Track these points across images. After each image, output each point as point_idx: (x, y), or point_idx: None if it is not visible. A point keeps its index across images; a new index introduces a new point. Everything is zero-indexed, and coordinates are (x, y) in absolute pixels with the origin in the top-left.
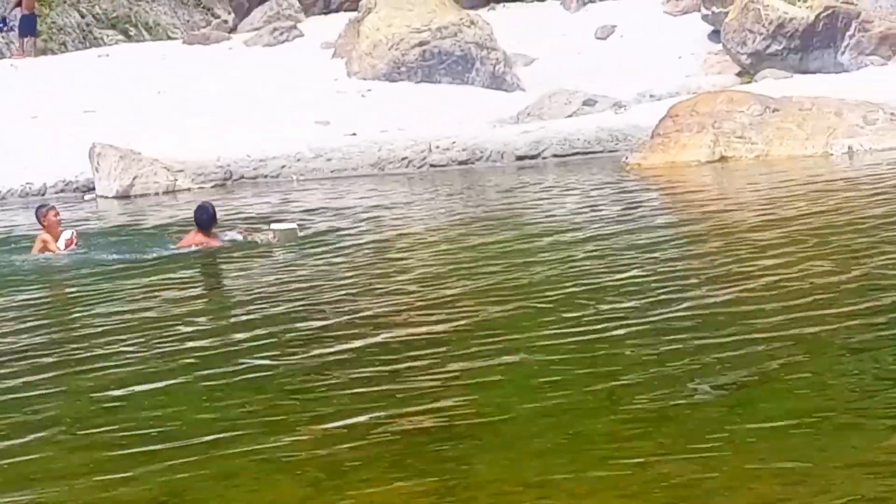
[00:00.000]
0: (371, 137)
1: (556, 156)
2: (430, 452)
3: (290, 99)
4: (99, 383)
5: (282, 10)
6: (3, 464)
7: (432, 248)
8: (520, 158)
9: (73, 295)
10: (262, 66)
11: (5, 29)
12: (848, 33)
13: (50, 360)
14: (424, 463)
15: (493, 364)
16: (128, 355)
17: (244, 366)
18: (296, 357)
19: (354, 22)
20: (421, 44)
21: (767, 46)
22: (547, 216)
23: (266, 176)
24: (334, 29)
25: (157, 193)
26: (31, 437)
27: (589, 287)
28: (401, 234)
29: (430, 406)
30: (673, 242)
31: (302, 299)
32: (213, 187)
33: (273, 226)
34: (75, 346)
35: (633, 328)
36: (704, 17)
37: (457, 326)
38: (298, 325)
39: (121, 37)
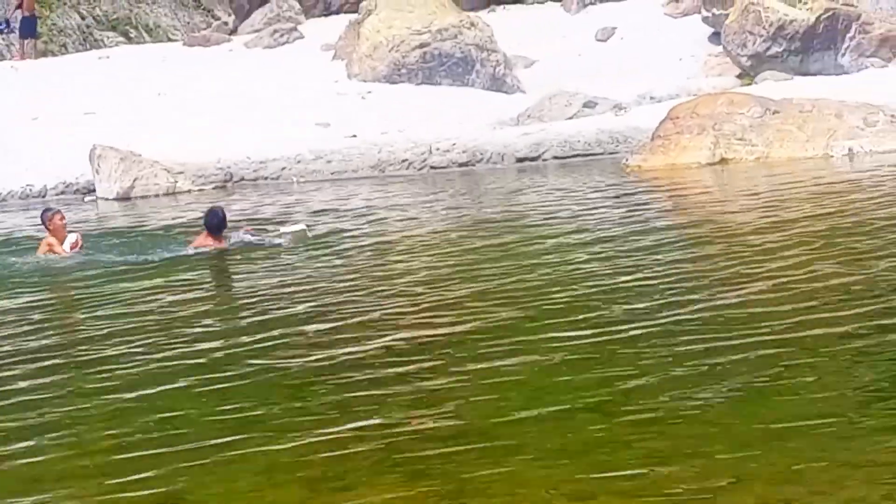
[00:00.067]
0: (371, 139)
1: (556, 158)
2: (433, 455)
3: (291, 101)
4: (104, 385)
5: (282, 12)
6: (9, 466)
7: (436, 250)
8: (520, 160)
9: (78, 297)
10: (262, 67)
11: (6, 31)
12: (848, 35)
13: (56, 361)
14: (427, 465)
15: (497, 367)
16: (133, 357)
17: (249, 368)
18: (300, 360)
19: (355, 24)
20: (421, 46)
21: (768, 48)
22: (549, 218)
23: (266, 178)
24: (334, 31)
25: (157, 195)
26: (37, 438)
27: (593, 290)
28: (405, 237)
29: (434, 409)
30: (676, 245)
31: (308, 302)
32: (213, 189)
33: (283, 229)
34: (82, 347)
35: (638, 331)
36: (705, 19)
37: (461, 330)
38: (304, 327)
39: (121, 39)
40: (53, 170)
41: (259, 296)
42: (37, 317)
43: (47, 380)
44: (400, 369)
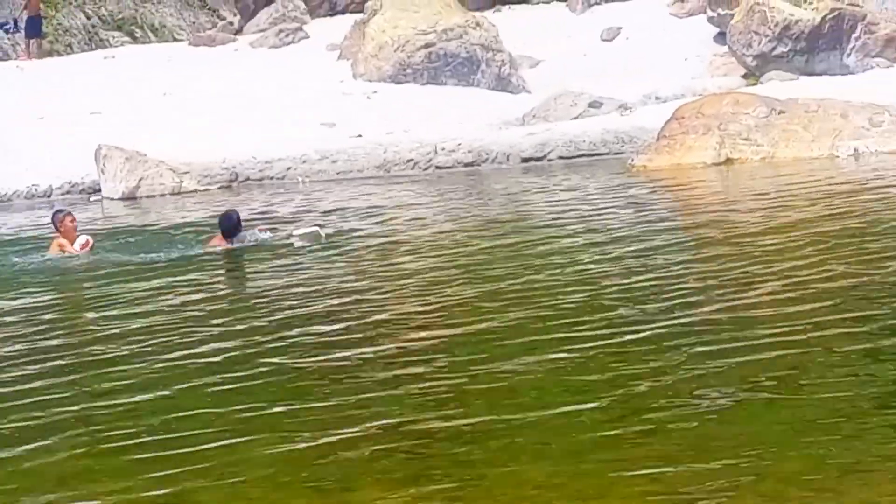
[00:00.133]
0: (376, 139)
1: (561, 158)
2: (438, 456)
3: (296, 101)
4: (112, 386)
5: (287, 12)
6: (16, 466)
7: (443, 250)
8: (525, 160)
9: (88, 296)
10: (267, 67)
11: (13, 31)
12: (854, 35)
13: (65, 361)
14: (433, 467)
15: (506, 368)
16: (142, 358)
17: (256, 369)
18: (308, 361)
19: (360, 24)
20: (426, 45)
21: (773, 48)
22: (557, 219)
23: (272, 177)
24: (340, 31)
25: (162, 195)
26: (44, 439)
27: (603, 291)
28: (413, 237)
29: (441, 410)
30: (685, 246)
31: (316, 302)
32: (218, 189)
33: (295, 232)
34: (91, 347)
35: (648, 333)
36: (710, 19)
37: (469, 331)
38: (312, 328)
39: (126, 38)
40: (59, 170)
41: (268, 296)
42: (46, 316)
43: (56, 380)
44: (408, 370)
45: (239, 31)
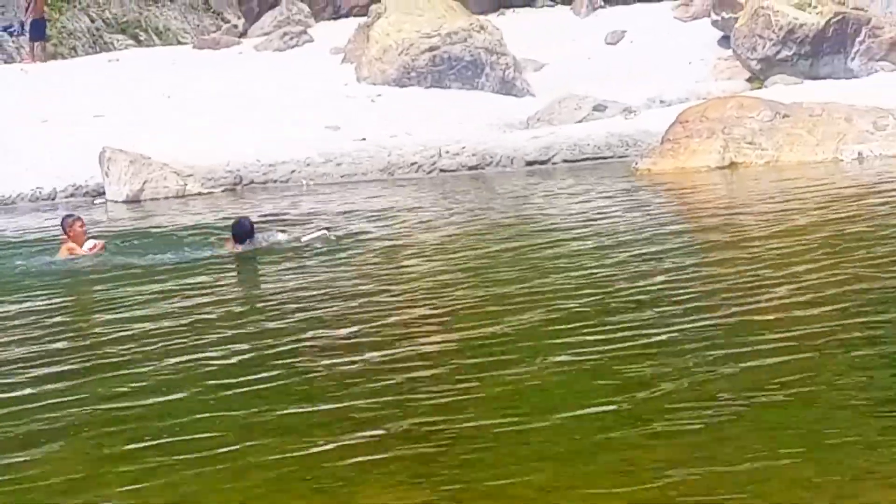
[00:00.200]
0: (380, 142)
1: (565, 161)
2: (443, 459)
3: (300, 103)
4: (120, 390)
5: (292, 15)
6: (21, 472)
7: (450, 254)
8: (529, 164)
9: (96, 299)
10: (271, 70)
11: (17, 34)
12: (858, 39)
13: (72, 366)
14: (438, 469)
15: (510, 374)
16: (148, 362)
17: (264, 374)
18: (313, 365)
19: (364, 27)
20: (431, 49)
21: (777, 52)
22: (563, 223)
23: (276, 181)
24: (344, 34)
25: (166, 198)
26: (51, 443)
27: (609, 296)
28: (418, 240)
29: (445, 415)
30: (691, 250)
31: (323, 307)
32: (222, 192)
33: (304, 237)
34: (98, 351)
35: (653, 338)
36: (714, 23)
37: (475, 336)
38: (318, 333)
39: (131, 41)
40: (63, 172)
41: (276, 300)
42: (54, 319)
43: (65, 384)
44: (415, 374)
45: (243, 35)
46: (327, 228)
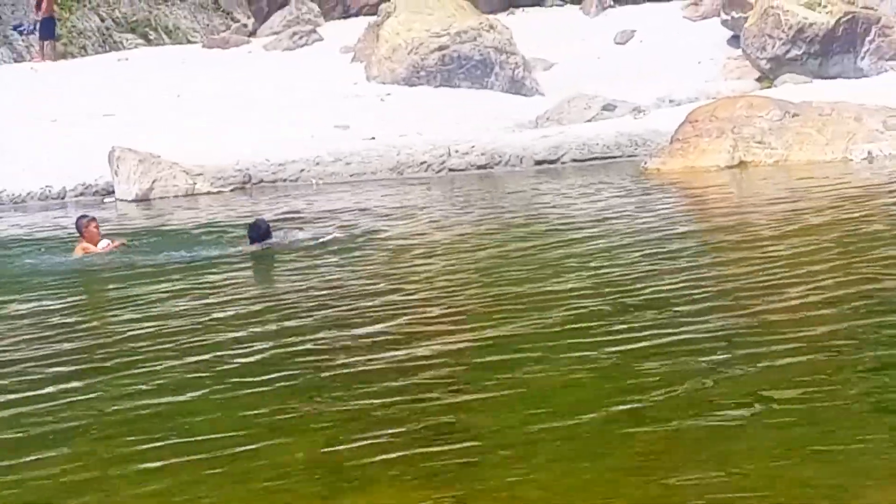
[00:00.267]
0: (390, 142)
1: (575, 161)
2: (446, 459)
3: (309, 103)
4: (130, 391)
5: (301, 15)
6: (35, 471)
7: (460, 254)
8: (539, 163)
9: (111, 298)
10: (281, 70)
11: (27, 32)
12: (868, 38)
13: (84, 365)
14: (440, 469)
15: (519, 375)
16: (159, 362)
17: (274, 374)
18: (323, 365)
19: (374, 26)
20: (440, 48)
21: (787, 52)
22: (572, 223)
23: (285, 180)
24: (353, 33)
25: (176, 196)
26: (62, 445)
27: (621, 297)
28: (430, 240)
29: (455, 415)
30: (701, 251)
31: (334, 307)
32: (231, 191)
33: (320, 239)
34: (110, 350)
35: (664, 339)
36: (724, 23)
37: (486, 336)
38: (329, 333)
39: (140, 41)
40: (72, 171)
41: (288, 300)
42: (65, 318)
43: (75, 383)
44: (427, 374)
45: (253, 34)
46: (342, 226)
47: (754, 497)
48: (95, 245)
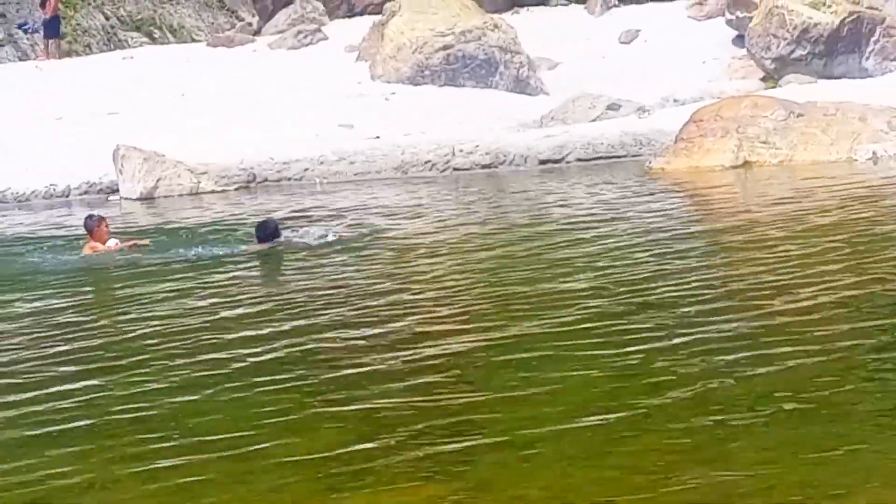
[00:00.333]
0: (394, 141)
1: (579, 160)
2: (451, 457)
3: (314, 102)
4: (137, 391)
5: (306, 13)
6: (39, 472)
7: (465, 254)
8: (543, 163)
9: (117, 297)
10: (285, 68)
11: (31, 31)
12: (872, 39)
13: (90, 365)
14: (445, 467)
15: (524, 377)
16: (166, 360)
17: (277, 375)
18: (331, 365)
19: (378, 25)
20: (445, 47)
21: (792, 51)
22: (577, 223)
23: (289, 179)
24: (358, 32)
25: (180, 195)
26: (69, 445)
27: (628, 298)
28: (436, 240)
29: (458, 416)
30: (709, 251)
31: (340, 307)
32: (236, 190)
33: (328, 237)
34: (117, 351)
35: (673, 341)
36: (729, 22)
37: (494, 337)
38: (338, 332)
39: (145, 39)
40: (77, 170)
41: (297, 300)
42: (73, 317)
43: (83, 383)
44: (433, 375)
45: (257, 33)
46: (346, 226)
47: (757, 497)
48: (104, 244)
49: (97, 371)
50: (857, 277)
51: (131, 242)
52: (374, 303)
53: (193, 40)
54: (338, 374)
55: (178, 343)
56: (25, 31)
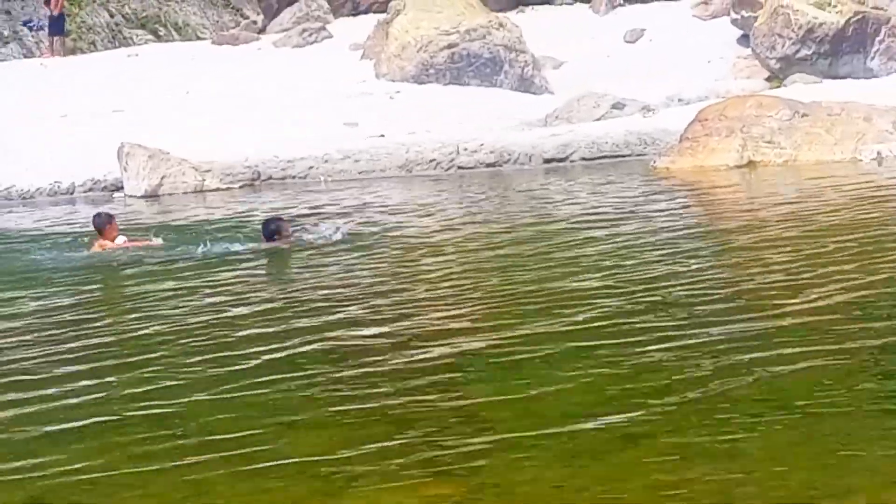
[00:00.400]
0: (399, 139)
1: (584, 159)
2: (459, 457)
3: (318, 100)
4: (145, 390)
5: (311, 12)
6: (47, 470)
7: (472, 253)
8: (547, 161)
9: (127, 294)
10: (290, 66)
11: (36, 28)
12: (878, 39)
13: (96, 363)
14: (453, 466)
15: (531, 377)
16: (172, 359)
17: (287, 374)
18: (337, 365)
19: (383, 24)
20: (449, 46)
21: (797, 51)
22: (583, 223)
23: (294, 177)
24: (363, 30)
25: (185, 193)
26: (72, 440)
27: (635, 299)
28: (441, 239)
29: (463, 416)
30: (716, 251)
31: (350, 305)
32: (240, 188)
33: (334, 236)
34: (128, 349)
35: (681, 342)
36: (734, 22)
37: (494, 338)
38: (345, 332)
39: (150, 37)
40: (81, 167)
41: (302, 298)
42: (79, 315)
43: (89, 382)
44: (440, 375)
45: (262, 31)
46: (354, 224)
47: (764, 497)
48: (113, 241)
49: (104, 369)
50: (866, 278)
51: (144, 242)
52: (382, 301)
53: (198, 38)
54: (346, 373)
55: (185, 341)
56: (30, 29)
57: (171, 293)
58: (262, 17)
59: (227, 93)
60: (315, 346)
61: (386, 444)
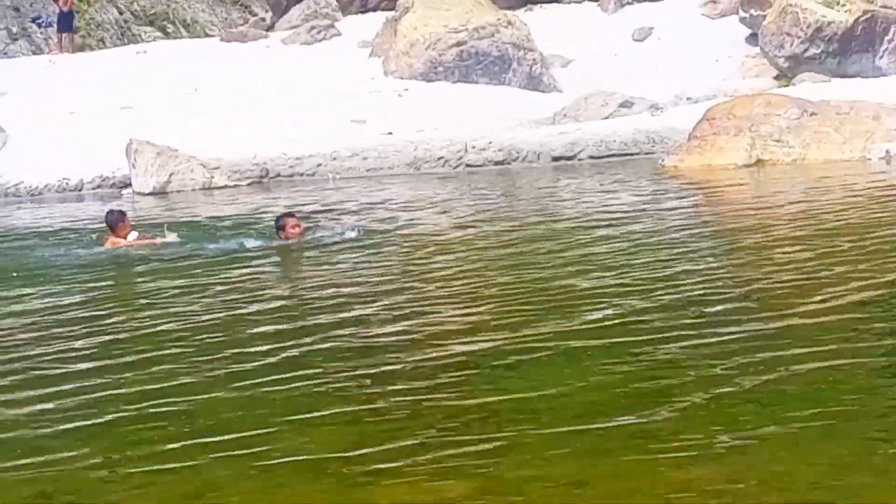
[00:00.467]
0: (407, 137)
1: (592, 157)
2: (470, 453)
3: (327, 97)
4: (152, 388)
5: (319, 9)
6: (53, 469)
7: (481, 252)
8: (556, 159)
9: (139, 291)
10: (299, 64)
11: (45, 25)
12: (886, 38)
13: (106, 361)
14: (464, 463)
15: (540, 378)
16: (181, 357)
17: (296, 371)
18: (341, 363)
19: (391, 21)
20: (458, 44)
21: (805, 50)
22: (592, 221)
23: (302, 174)
24: (371, 28)
25: (193, 190)
26: (79, 438)
27: (646, 299)
28: (451, 238)
29: (471, 415)
30: (726, 252)
31: (360, 304)
32: (248, 185)
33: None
34: (139, 346)
35: (693, 342)
36: (742, 20)
37: (505, 337)
38: (347, 330)
39: (159, 34)
40: (90, 164)
41: (312, 296)
42: (88, 312)
43: (98, 380)
44: (450, 374)
45: (271, 28)
46: (365, 222)
47: (769, 497)
48: (125, 238)
49: (115, 366)
50: (878, 277)
51: (159, 240)
52: (394, 299)
53: (207, 35)
54: (355, 372)
55: (195, 339)
56: (39, 25)
57: (183, 290)
58: (270, 14)
59: (235, 90)
60: (328, 343)
61: (399, 442)
